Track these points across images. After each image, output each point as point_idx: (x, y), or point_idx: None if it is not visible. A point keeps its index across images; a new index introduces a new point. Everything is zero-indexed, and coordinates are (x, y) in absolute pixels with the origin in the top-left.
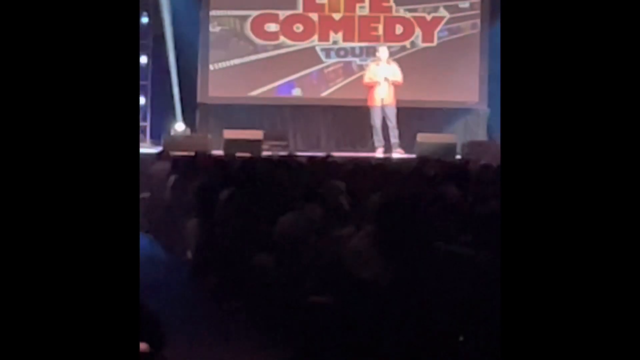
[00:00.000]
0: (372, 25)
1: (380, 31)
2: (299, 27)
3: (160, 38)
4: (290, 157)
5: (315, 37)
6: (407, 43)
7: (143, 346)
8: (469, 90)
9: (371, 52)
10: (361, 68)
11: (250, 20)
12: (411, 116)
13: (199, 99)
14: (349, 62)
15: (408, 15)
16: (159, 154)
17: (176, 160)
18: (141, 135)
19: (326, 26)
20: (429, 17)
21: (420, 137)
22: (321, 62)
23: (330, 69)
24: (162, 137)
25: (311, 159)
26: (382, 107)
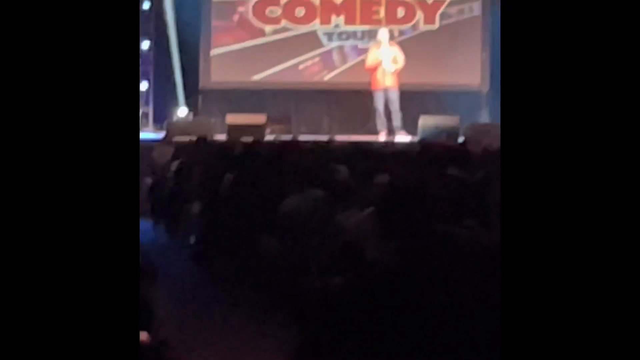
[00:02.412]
0: (374, 8)
1: (382, 14)
2: (300, 11)
3: (162, 23)
4: (293, 141)
5: (317, 20)
6: (411, 25)
7: (143, 335)
8: (471, 72)
9: (373, 35)
10: (363, 51)
11: (252, 4)
12: (413, 99)
13: (201, 84)
14: (351, 46)
15: None
16: (162, 139)
17: (179, 145)
18: (144, 121)
19: (328, 9)
20: (430, 0)
21: (423, 120)
22: (323, 45)
23: (332, 52)
24: (165, 123)
25: (314, 142)
26: (385, 91)
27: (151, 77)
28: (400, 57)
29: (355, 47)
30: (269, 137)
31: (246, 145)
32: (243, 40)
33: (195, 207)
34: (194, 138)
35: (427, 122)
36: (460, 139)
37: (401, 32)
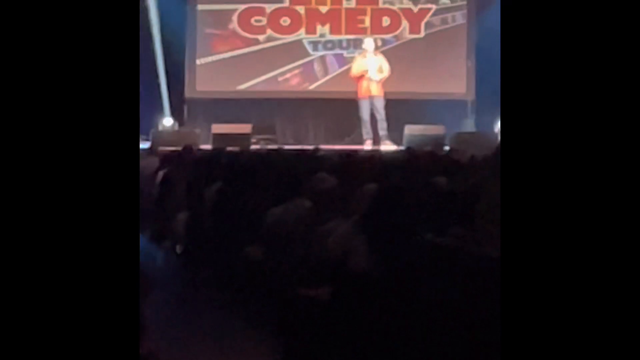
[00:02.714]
0: (359, 17)
1: (367, 23)
2: (286, 21)
3: (147, 33)
4: (279, 151)
5: (302, 30)
6: (394, 35)
7: None
8: (456, 81)
9: (358, 45)
10: (348, 60)
11: (237, 14)
12: (399, 108)
13: (186, 94)
14: (337, 55)
15: (395, 7)
16: (147, 150)
17: (165, 156)
18: None
19: (313, 19)
20: (415, 9)
21: (409, 129)
22: (308, 55)
23: (318, 61)
24: (150, 133)
25: (300, 152)
26: (371, 99)
27: None
28: (386, 66)
29: (339, 57)
30: (254, 147)
31: (231, 154)
32: (228, 50)
33: (181, 217)
34: (179, 148)
35: (412, 131)
36: (446, 148)
37: (386, 41)
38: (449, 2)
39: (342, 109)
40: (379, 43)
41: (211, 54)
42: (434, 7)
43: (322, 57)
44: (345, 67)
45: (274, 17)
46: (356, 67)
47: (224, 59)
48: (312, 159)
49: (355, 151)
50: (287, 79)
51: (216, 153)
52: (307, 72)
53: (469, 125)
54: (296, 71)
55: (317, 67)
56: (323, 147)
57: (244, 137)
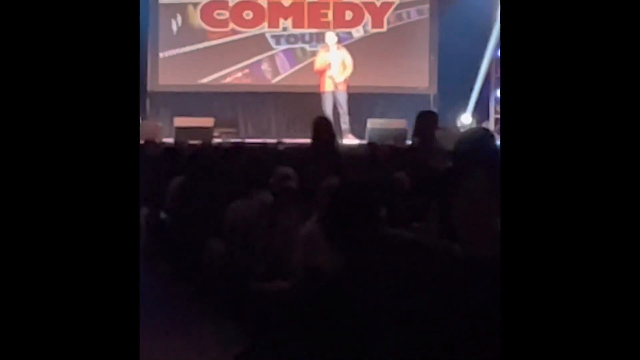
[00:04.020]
0: (322, 11)
1: (330, 17)
2: (248, 14)
3: None
4: (241, 144)
5: (265, 23)
6: (356, 29)
7: None
8: (418, 75)
9: (321, 39)
10: (311, 54)
11: (200, 7)
12: (362, 102)
13: (149, 87)
14: (299, 49)
15: (357, 0)
16: None
17: None
18: None
19: (276, 13)
20: (378, 3)
21: (371, 123)
22: (271, 48)
23: (280, 55)
24: None
25: (262, 145)
26: (333, 93)
27: None
28: (349, 60)
29: (303, 50)
30: (216, 140)
31: (194, 148)
32: (191, 44)
33: (143, 211)
34: (141, 141)
35: (375, 125)
36: (408, 142)
37: (349, 35)
38: None
39: (304, 103)
40: (344, 36)
41: (174, 48)
42: (396, 1)
43: (286, 51)
44: (308, 61)
45: (237, 10)
46: (319, 62)
47: (186, 53)
48: (274, 152)
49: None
50: (250, 72)
51: (178, 147)
52: (272, 65)
53: None
54: (259, 65)
55: (263, 67)
56: (285, 140)
57: (206, 131)
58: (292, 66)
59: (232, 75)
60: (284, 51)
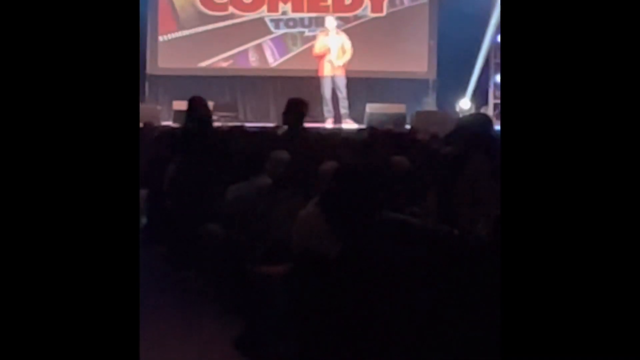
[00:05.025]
0: None
1: (329, 1)
2: None
3: None
4: (240, 128)
5: (264, 7)
6: (356, 13)
7: None
8: (418, 60)
9: (320, 23)
10: (311, 39)
11: None
12: (361, 86)
13: (148, 71)
14: (298, 33)
15: None
16: None
17: None
18: None
19: None
20: None
21: (370, 108)
22: (270, 32)
23: (280, 39)
24: None
25: (261, 129)
26: (332, 78)
27: None
28: (348, 45)
29: (302, 35)
30: (215, 124)
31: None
32: (190, 27)
33: (141, 194)
34: (140, 125)
35: (374, 109)
36: (407, 127)
37: (349, 20)
38: None
39: (303, 87)
40: (344, 21)
41: (173, 31)
42: None
43: (285, 35)
44: (307, 45)
45: None
46: (318, 46)
47: (186, 36)
48: (273, 136)
49: (317, 129)
50: (249, 56)
51: (177, 130)
52: (271, 49)
53: (430, 104)
54: (258, 49)
55: (279, 45)
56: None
57: None
58: (281, 56)
59: (231, 60)
60: (278, 37)
